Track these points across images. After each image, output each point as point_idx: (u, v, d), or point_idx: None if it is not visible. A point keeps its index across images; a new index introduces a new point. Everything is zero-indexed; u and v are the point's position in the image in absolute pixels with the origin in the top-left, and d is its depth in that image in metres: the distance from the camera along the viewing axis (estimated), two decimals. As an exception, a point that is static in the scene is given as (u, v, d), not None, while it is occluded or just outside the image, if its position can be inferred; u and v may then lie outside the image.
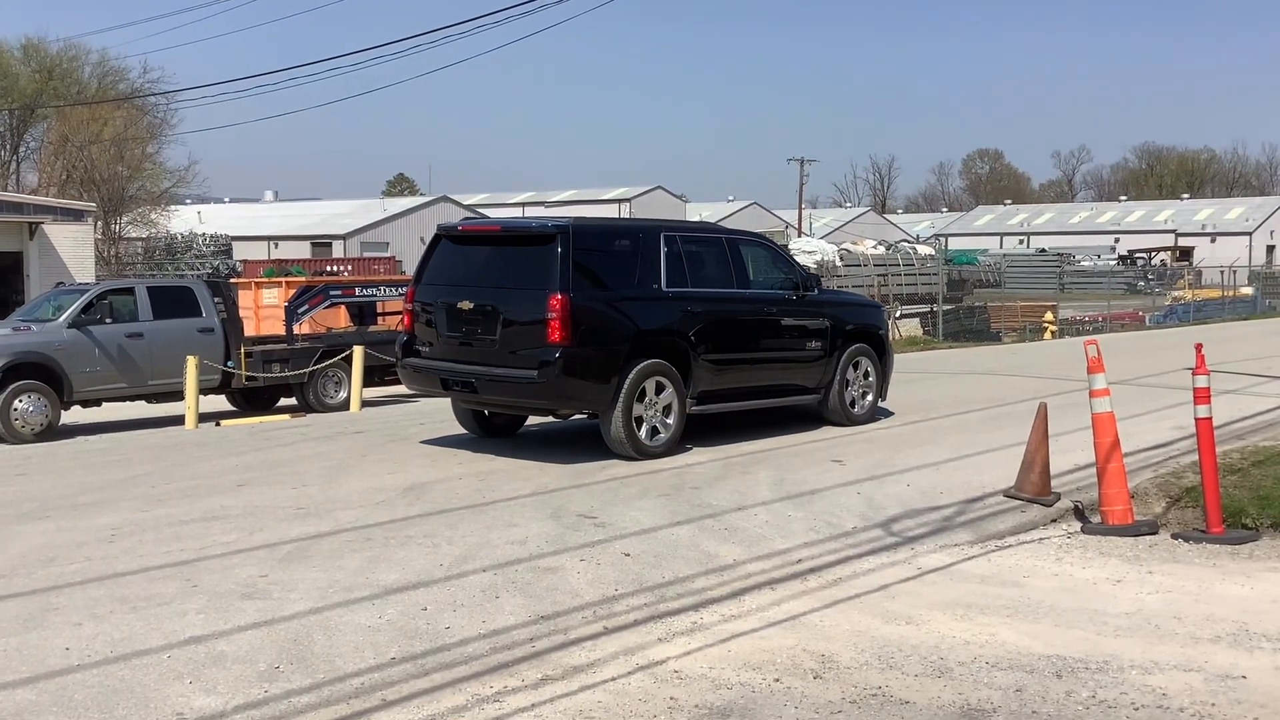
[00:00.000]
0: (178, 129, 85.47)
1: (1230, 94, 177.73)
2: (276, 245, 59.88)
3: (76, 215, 33.90)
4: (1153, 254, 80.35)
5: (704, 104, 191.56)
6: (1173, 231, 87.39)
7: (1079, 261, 76.93)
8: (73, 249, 32.39)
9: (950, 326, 35.56)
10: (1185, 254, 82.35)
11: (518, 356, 9.53)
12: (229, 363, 16.03)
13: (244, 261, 50.63)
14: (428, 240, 10.90)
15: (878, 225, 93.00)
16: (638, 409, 9.68)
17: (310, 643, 5.30)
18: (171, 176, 55.43)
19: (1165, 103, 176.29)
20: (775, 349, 11.04)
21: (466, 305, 9.89)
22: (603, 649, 5.33)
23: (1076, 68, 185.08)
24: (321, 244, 59.96)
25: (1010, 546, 7.35)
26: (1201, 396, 7.45)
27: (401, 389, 15.25)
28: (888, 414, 12.32)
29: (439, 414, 12.21)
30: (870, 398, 11.80)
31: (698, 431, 10.54)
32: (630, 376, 9.57)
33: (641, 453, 9.70)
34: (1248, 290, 49.64)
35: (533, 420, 11.57)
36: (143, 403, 16.09)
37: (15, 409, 14.12)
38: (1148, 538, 7.50)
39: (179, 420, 14.82)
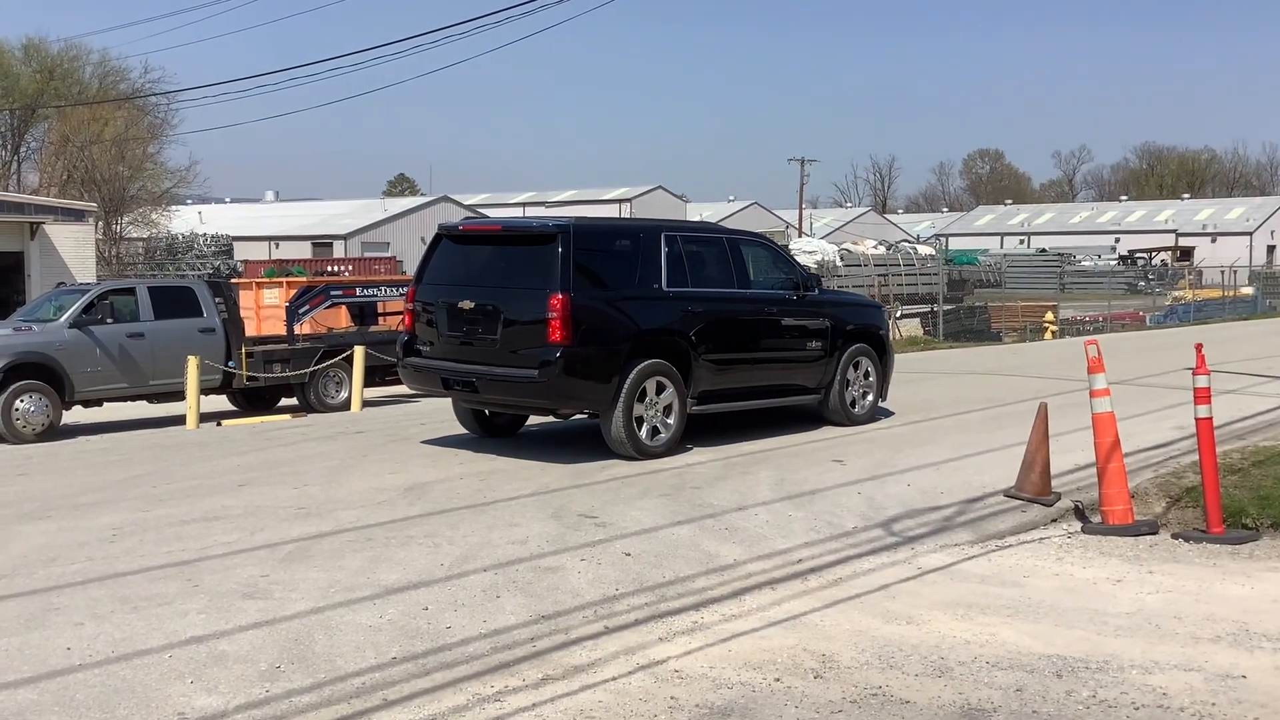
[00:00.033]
0: (179, 129, 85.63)
1: (1231, 94, 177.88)
2: (277, 245, 59.92)
3: (77, 215, 33.93)
4: (1153, 254, 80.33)
5: (704, 104, 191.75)
6: (1173, 231, 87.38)
7: (1079, 261, 76.90)
8: (74, 249, 32.41)
9: (951, 326, 35.56)
10: (1186, 254, 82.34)
11: (518, 356, 9.53)
12: (230, 363, 16.04)
13: (245, 262, 50.68)
14: (428, 240, 10.91)
15: (878, 225, 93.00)
16: (638, 409, 9.68)
17: (311, 642, 5.31)
18: (172, 177, 55.55)
19: (1166, 103, 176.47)
20: (776, 349, 11.04)
21: (467, 305, 9.90)
22: (603, 648, 5.33)
23: (1077, 68, 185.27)
24: (322, 244, 60.00)
25: (1011, 546, 7.36)
26: (1202, 396, 7.45)
27: (402, 389, 15.26)
28: (888, 414, 12.32)
29: (440, 414, 12.22)
30: (871, 398, 11.81)
31: (698, 431, 10.55)
32: (631, 376, 9.57)
33: (642, 453, 9.70)
34: (1248, 290, 49.65)
35: (533, 420, 11.57)
36: (144, 403, 16.10)
37: (17, 409, 14.13)
38: (1148, 538, 7.51)
39: (180, 420, 14.83)
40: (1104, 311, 43.15)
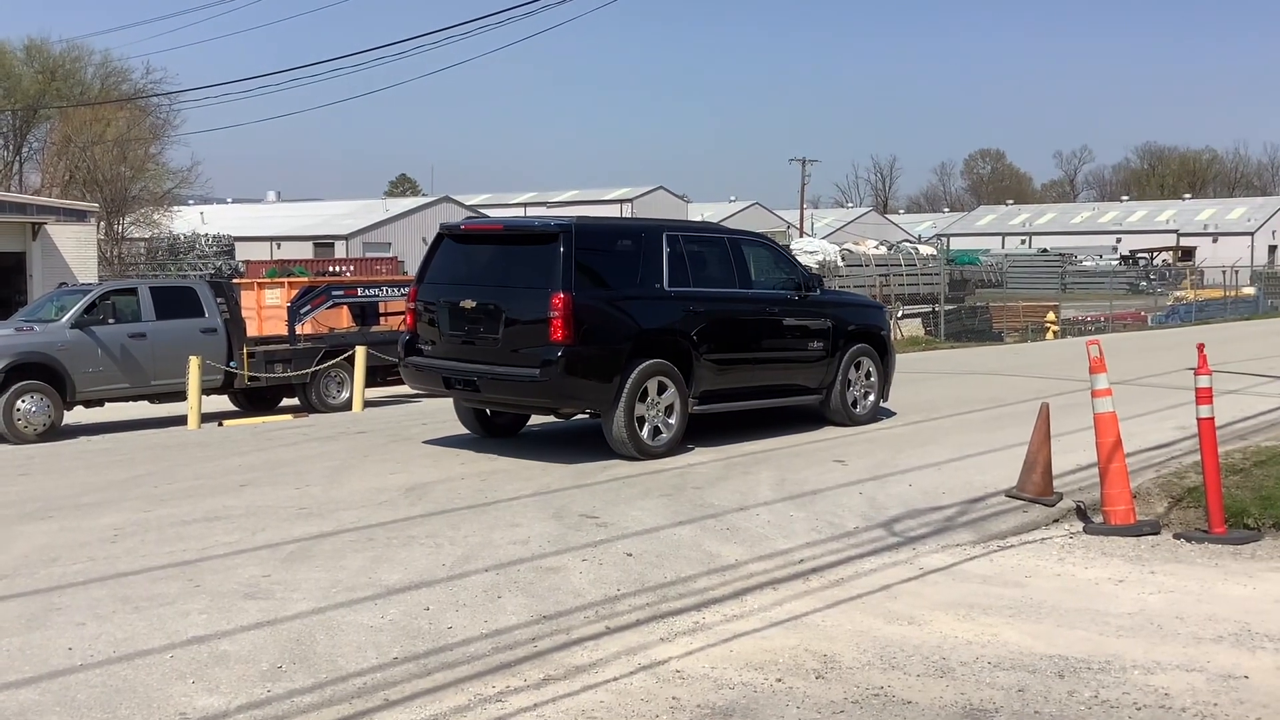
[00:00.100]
0: (180, 130, 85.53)
1: (1232, 94, 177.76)
2: (279, 246, 59.96)
3: (79, 216, 33.96)
4: (1155, 254, 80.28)
5: (704, 104, 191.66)
6: (1175, 231, 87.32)
7: (1081, 262, 76.88)
8: (75, 249, 32.44)
9: (952, 327, 35.55)
10: (1187, 254, 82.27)
11: (520, 355, 9.53)
12: (231, 363, 16.03)
13: (246, 262, 50.72)
14: (430, 240, 10.91)
15: (879, 225, 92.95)
16: (640, 409, 9.68)
17: (313, 642, 5.31)
18: (174, 177, 55.57)
19: (1167, 103, 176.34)
20: (777, 349, 11.04)
21: (469, 304, 9.90)
22: (605, 649, 5.33)
23: (1078, 68, 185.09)
24: (324, 244, 60.03)
25: (1012, 547, 7.35)
26: (1203, 396, 7.45)
27: (404, 389, 15.26)
28: (890, 414, 12.32)
29: (441, 414, 12.22)
30: (872, 398, 11.80)
31: (699, 431, 10.55)
32: (632, 376, 9.57)
33: (643, 453, 9.70)
34: (1250, 290, 49.64)
35: (535, 420, 11.57)
36: (145, 403, 16.09)
37: (18, 409, 14.13)
38: (1150, 538, 7.50)
39: (181, 420, 14.83)
40: (1105, 312, 43.16)
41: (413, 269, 27.75)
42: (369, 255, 55.63)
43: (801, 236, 67.77)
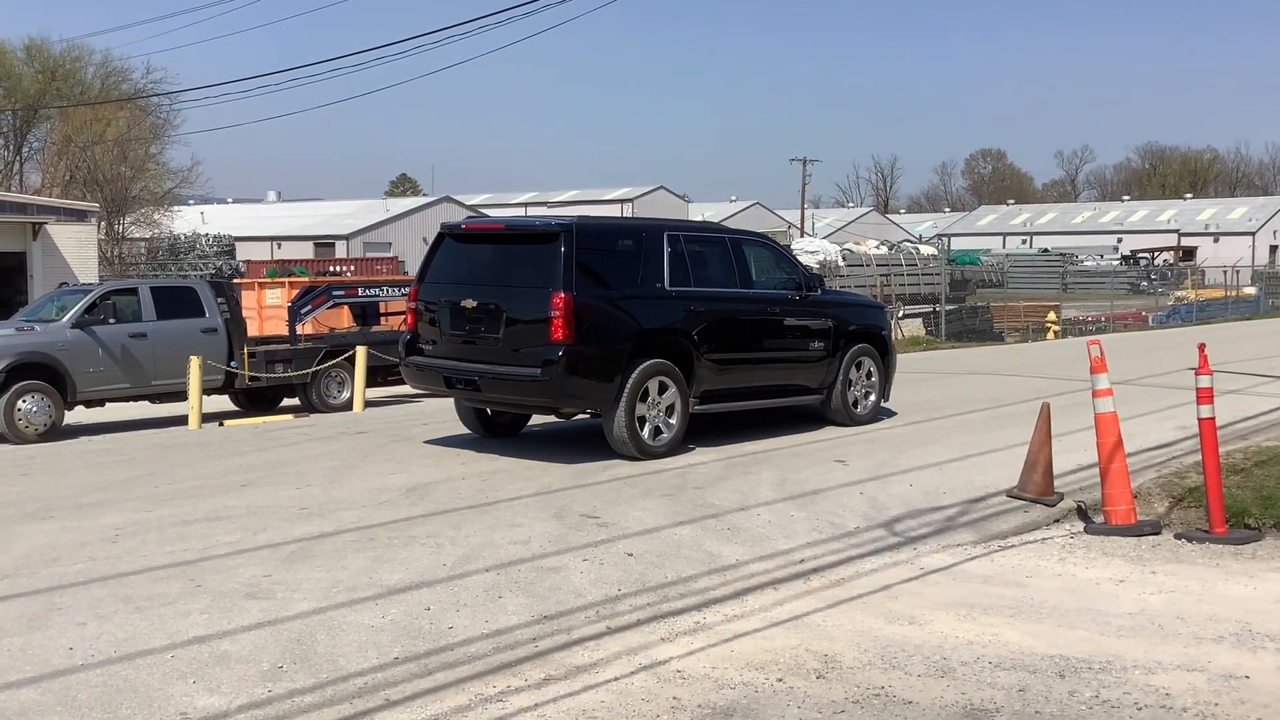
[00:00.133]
0: (181, 129, 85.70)
1: (1233, 94, 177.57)
2: (279, 245, 59.97)
3: (80, 216, 33.97)
4: (1156, 254, 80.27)
5: (705, 104, 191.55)
6: (1176, 231, 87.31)
7: (1082, 261, 76.85)
8: (76, 249, 32.44)
9: (953, 327, 35.55)
10: (1188, 254, 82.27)
11: (521, 355, 9.53)
12: (232, 363, 16.03)
13: (247, 262, 50.75)
14: (430, 240, 10.91)
15: (880, 225, 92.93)
16: (640, 408, 9.68)
17: (314, 642, 5.31)
18: (175, 177, 55.58)
19: (1168, 103, 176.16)
20: (778, 349, 11.04)
21: (470, 304, 9.90)
22: (606, 649, 5.33)
23: (1079, 67, 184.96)
24: (324, 244, 60.04)
25: (1013, 547, 7.35)
26: (1204, 396, 7.45)
27: (405, 389, 15.27)
28: (891, 414, 12.32)
29: (442, 414, 12.23)
30: (873, 398, 11.81)
31: (700, 431, 10.55)
32: (633, 376, 9.57)
33: (644, 452, 9.70)
34: (1251, 290, 49.63)
35: (536, 420, 11.57)
36: (146, 403, 16.09)
37: (19, 409, 14.13)
38: (1151, 538, 7.50)
39: (182, 420, 14.83)
40: (1106, 311, 43.12)
41: (413, 269, 27.78)
42: (369, 255, 55.64)
43: (802, 236, 67.76)
